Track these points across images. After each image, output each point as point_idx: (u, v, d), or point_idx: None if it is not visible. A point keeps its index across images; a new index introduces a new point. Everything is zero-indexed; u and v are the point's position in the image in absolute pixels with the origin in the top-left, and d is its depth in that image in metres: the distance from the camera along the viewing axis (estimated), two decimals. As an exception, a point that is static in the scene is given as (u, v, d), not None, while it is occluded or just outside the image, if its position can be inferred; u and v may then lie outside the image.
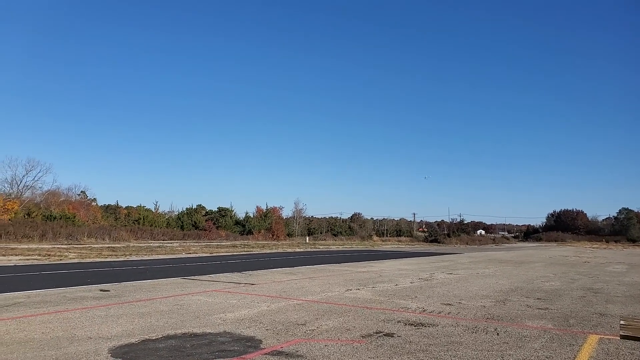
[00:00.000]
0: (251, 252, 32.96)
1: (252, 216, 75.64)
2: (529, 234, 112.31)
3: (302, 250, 39.26)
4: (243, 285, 12.93)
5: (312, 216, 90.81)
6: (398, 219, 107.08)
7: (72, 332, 6.78)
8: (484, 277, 16.80)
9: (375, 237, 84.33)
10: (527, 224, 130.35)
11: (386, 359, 5.63)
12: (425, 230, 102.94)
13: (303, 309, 9.16)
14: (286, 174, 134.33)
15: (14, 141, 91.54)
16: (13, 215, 47.58)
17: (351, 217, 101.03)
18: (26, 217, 48.92)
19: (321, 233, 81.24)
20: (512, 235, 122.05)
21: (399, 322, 8.00)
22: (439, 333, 7.18)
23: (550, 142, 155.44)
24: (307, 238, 68.39)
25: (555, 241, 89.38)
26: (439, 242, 75.57)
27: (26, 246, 34.49)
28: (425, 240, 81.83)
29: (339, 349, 6.04)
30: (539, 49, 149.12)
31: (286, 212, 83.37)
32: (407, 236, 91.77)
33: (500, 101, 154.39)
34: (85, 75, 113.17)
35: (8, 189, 55.63)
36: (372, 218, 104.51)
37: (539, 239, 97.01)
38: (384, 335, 6.95)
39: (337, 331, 7.15)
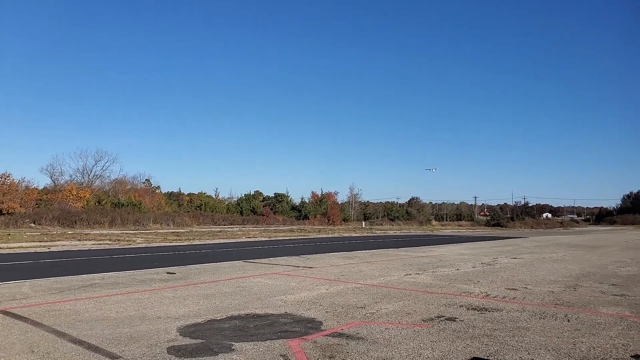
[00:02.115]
0: (308, 237, 33.37)
1: (307, 201, 76.59)
2: (601, 216, 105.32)
3: (358, 235, 39.26)
4: (301, 268, 13.11)
5: (367, 201, 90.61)
6: (458, 202, 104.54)
7: (143, 311, 7.15)
8: (552, 262, 16.03)
9: (434, 222, 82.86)
10: (599, 206, 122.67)
11: (449, 343, 5.50)
12: (487, 214, 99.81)
13: (362, 292, 9.14)
14: (341, 160, 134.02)
15: (84, 133, 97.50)
16: (85, 203, 51.02)
17: (408, 201, 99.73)
18: (97, 204, 52.27)
19: (377, 218, 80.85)
20: (582, 218, 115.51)
21: (461, 306, 7.80)
22: (504, 318, 6.92)
23: (625, 119, 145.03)
24: (363, 223, 68.29)
25: (632, 224, 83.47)
26: (501, 226, 73.03)
27: (98, 232, 36.82)
28: (487, 224, 79.34)
29: (400, 332, 5.97)
30: (602, 26, 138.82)
31: (341, 198, 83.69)
32: (468, 220, 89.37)
33: (568, 77, 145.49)
34: (146, 67, 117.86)
35: (80, 178, 59.62)
36: (430, 202, 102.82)
37: (612, 222, 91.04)
38: (446, 319, 6.79)
39: (398, 315, 7.07)
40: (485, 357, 5.00)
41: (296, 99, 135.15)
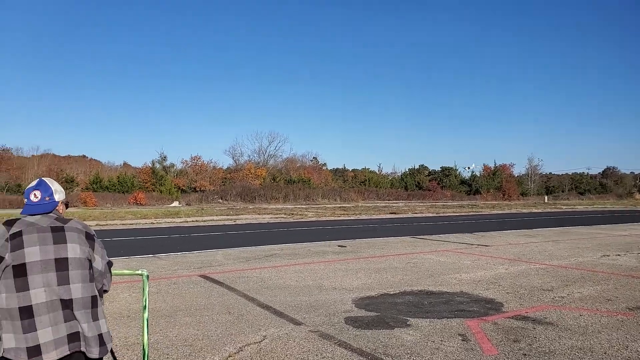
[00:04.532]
0: (480, 213, 31.66)
1: (478, 175, 72.50)
2: None
3: (539, 210, 35.87)
4: (475, 246, 12.41)
5: (550, 173, 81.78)
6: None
7: (319, 281, 7.52)
8: None
9: (637, 195, 71.54)
10: None
11: (668, 339, 4.56)
12: None
13: (548, 273, 8.23)
14: (517, 128, 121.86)
15: (259, 116, 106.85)
16: (262, 180, 56.74)
17: (602, 172, 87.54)
18: (272, 181, 57.65)
19: (562, 192, 72.95)
20: None
21: (681, 296, 6.46)
22: None
23: None
24: (546, 197, 62.19)
25: None
26: None
27: (274, 206, 40.49)
28: None
29: (599, 321, 5.18)
30: None
31: (518, 169, 77.44)
32: (690, 193, 74.63)
33: None
34: (309, 52, 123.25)
35: (257, 158, 66.13)
36: (632, 172, 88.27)
37: None
38: (661, 310, 5.68)
39: (594, 301, 6.17)
40: None
41: (464, 66, 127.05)
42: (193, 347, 4.39)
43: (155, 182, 52.54)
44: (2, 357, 1.99)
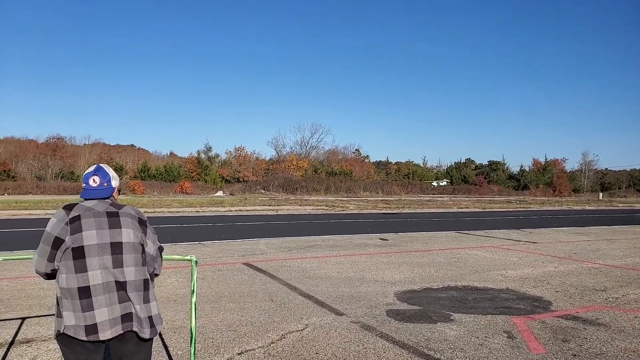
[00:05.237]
0: (529, 209, 30.61)
1: (527, 170, 70.04)
2: None
3: (593, 208, 34.29)
4: (523, 242, 12.02)
5: (606, 168, 77.96)
6: None
7: (361, 274, 7.51)
8: None
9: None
10: None
11: None
12: None
13: (601, 273, 7.87)
14: (568, 121, 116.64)
15: (302, 108, 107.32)
16: (304, 172, 57.15)
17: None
18: (313, 173, 58.00)
19: (619, 189, 69.42)
20: None
21: None
22: None
23: None
24: (600, 194, 59.29)
25: None
26: None
27: (315, 198, 40.67)
28: None
29: (656, 324, 4.91)
30: None
31: (570, 165, 74.41)
32: None
33: None
34: (351, 46, 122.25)
35: (299, 149, 66.63)
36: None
37: None
38: None
39: (651, 303, 5.85)
40: None
41: (514, 59, 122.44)
42: (237, 332, 4.50)
43: (201, 171, 53.96)
44: (63, 333, 2.11)
